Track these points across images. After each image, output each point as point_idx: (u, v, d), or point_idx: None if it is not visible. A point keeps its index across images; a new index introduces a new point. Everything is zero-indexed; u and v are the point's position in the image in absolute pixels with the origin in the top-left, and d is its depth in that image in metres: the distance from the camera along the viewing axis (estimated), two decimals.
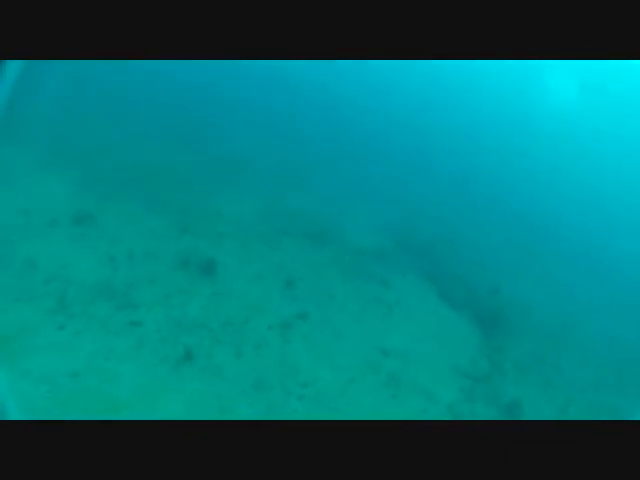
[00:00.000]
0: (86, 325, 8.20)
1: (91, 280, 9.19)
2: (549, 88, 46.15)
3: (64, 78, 16.42)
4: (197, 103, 23.29)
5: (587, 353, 13.64)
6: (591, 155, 42.37)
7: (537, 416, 9.98)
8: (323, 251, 13.44)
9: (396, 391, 9.30)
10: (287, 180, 17.46)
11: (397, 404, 9.09)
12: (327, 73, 38.02)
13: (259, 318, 9.89)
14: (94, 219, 10.85)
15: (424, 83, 45.55)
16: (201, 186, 14.64)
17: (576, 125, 44.25)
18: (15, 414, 4.39)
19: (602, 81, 49.14)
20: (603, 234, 26.46)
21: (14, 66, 3.38)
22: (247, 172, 16.93)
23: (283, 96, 28.48)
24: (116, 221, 11.17)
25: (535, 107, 46.00)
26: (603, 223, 29.06)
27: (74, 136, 15.02)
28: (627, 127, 48.93)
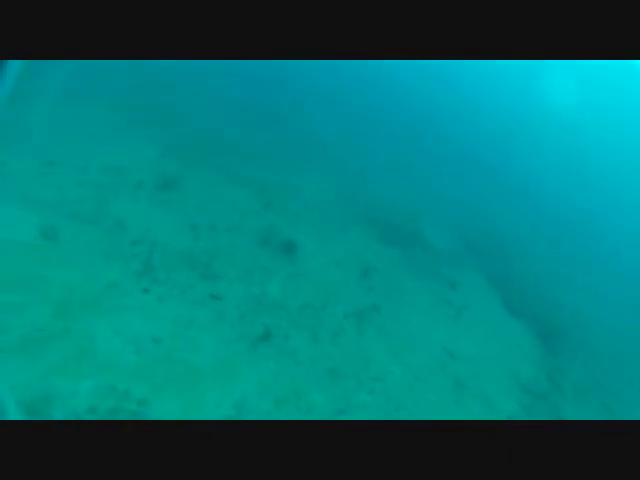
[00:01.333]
0: (169, 291, 8.17)
1: (175, 247, 9.18)
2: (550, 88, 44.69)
3: None
4: (278, 81, 23.09)
5: None
6: None
7: None
8: (396, 244, 13.13)
9: (460, 396, 9.10)
10: (364, 168, 17.19)
11: (460, 409, 8.90)
12: (406, 68, 37.53)
13: (336, 305, 9.78)
14: (177, 185, 10.90)
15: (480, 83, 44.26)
16: (280, 163, 14.57)
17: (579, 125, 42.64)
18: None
19: (602, 81, 47.71)
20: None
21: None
22: (325, 155, 16.74)
23: (371, 90, 28.03)
24: (198, 190, 11.19)
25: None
26: None
27: (158, 99, 15.01)
28: (627, 127, 47.19)
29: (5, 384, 5.84)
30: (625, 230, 28.10)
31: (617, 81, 50.40)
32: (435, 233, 15.16)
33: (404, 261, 12.76)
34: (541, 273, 17.13)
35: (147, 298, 7.95)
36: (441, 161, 23.27)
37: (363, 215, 13.87)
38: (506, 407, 9.56)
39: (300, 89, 23.97)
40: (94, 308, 7.34)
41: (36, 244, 7.96)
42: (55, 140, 10.61)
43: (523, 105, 47.04)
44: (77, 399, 6.00)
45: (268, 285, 9.40)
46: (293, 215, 11.93)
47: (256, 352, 8.01)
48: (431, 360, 9.80)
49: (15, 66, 4.20)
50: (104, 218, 9.09)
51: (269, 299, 9.11)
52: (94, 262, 8.14)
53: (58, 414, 5.73)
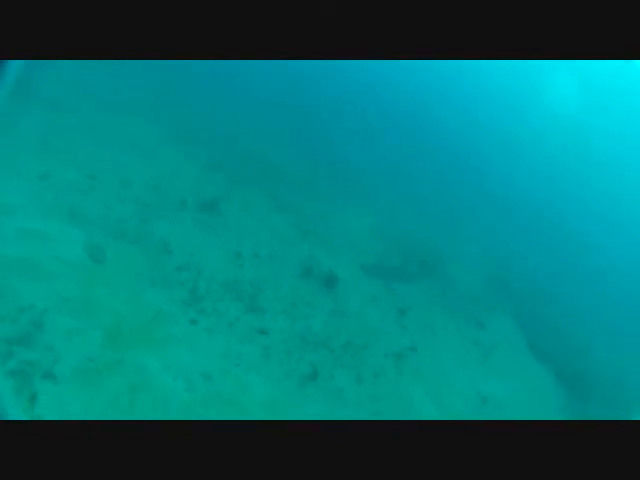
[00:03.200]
0: (217, 324, 7.97)
1: (220, 276, 9.02)
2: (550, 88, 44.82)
3: None
4: (321, 104, 22.81)
5: None
6: None
7: None
8: (429, 281, 13.07)
9: None
10: (399, 200, 17.03)
11: None
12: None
13: (376, 344, 9.61)
14: (219, 207, 10.73)
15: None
16: (319, 190, 14.48)
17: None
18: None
19: (602, 81, 48.13)
20: None
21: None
22: (362, 183, 16.63)
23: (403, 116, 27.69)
24: (240, 213, 11.09)
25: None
26: None
27: (202, 115, 14.79)
28: (627, 127, 47.52)
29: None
30: None
31: (617, 81, 50.77)
32: (462, 269, 14.98)
33: (435, 298, 12.62)
34: (567, 314, 16.93)
35: (195, 330, 7.72)
36: (465, 193, 23.11)
37: (396, 249, 13.63)
38: None
39: (338, 114, 23.65)
40: (143, 338, 7.09)
41: (83, 264, 7.76)
42: (96, 151, 10.33)
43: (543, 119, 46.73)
44: None
45: (312, 320, 9.26)
46: (333, 246, 11.72)
47: (303, 392, 7.75)
48: (466, 404, 9.69)
49: (15, 66, 3.71)
50: (149, 239, 8.93)
51: (313, 335, 8.95)
52: (141, 287, 7.93)
53: None
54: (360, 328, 9.94)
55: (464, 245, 16.54)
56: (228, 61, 20.54)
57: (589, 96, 48.05)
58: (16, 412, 5.23)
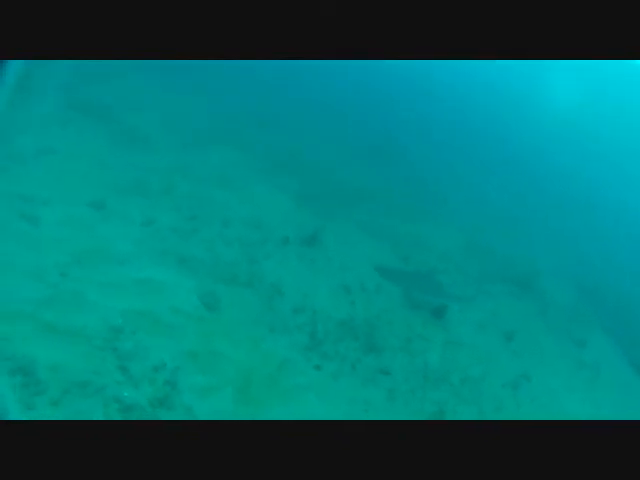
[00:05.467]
0: (339, 368, 7.78)
1: (334, 315, 8.88)
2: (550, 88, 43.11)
3: None
4: (394, 117, 22.49)
5: None
6: None
7: None
8: (527, 300, 12.58)
9: None
10: (484, 216, 16.53)
11: None
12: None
13: (492, 374, 9.35)
14: (319, 240, 10.60)
15: None
16: (408, 211, 14.11)
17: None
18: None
19: (602, 81, 46.34)
20: None
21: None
22: (449, 202, 16.14)
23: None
24: (339, 245, 10.90)
25: None
26: None
27: (280, 137, 14.65)
28: (628, 127, 45.47)
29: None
30: None
31: (617, 81, 49.20)
32: (555, 283, 14.43)
33: (536, 318, 12.19)
34: None
35: (320, 376, 7.56)
36: (545, 201, 22.34)
37: (494, 267, 13.23)
38: None
39: (412, 126, 23.23)
40: (272, 391, 6.93)
41: (201, 315, 7.62)
42: (192, 190, 10.25)
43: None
44: None
45: (429, 355, 8.96)
46: (433, 271, 11.35)
47: None
48: None
49: (15, 66, 3.90)
50: (259, 281, 8.81)
51: (432, 371, 8.68)
52: (261, 335, 7.82)
53: None
54: (474, 358, 9.67)
55: (553, 257, 15.93)
56: (299, 81, 20.51)
57: (589, 96, 46.43)
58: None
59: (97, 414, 5.53)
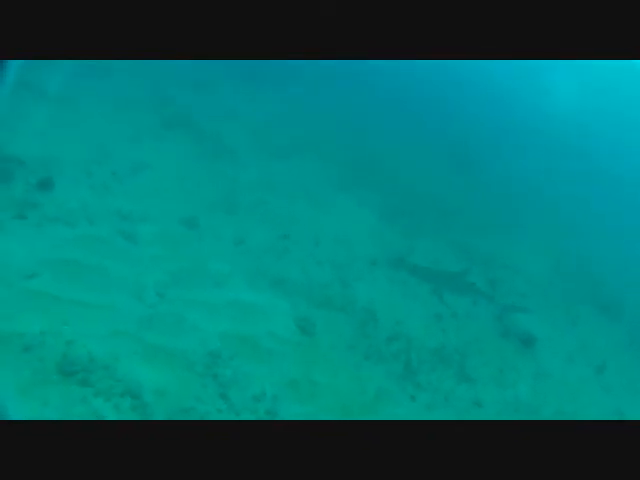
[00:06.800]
0: (433, 398, 7.65)
1: (427, 344, 8.80)
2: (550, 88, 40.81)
3: None
4: (474, 125, 21.99)
5: None
6: None
7: None
8: (614, 328, 12.02)
9: None
10: (573, 231, 15.98)
11: None
12: None
13: (584, 411, 9.00)
14: (408, 262, 10.39)
15: None
16: (493, 230, 13.82)
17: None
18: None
19: (602, 81, 43.87)
20: None
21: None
22: (534, 218, 15.67)
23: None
24: (428, 265, 10.39)
25: None
26: None
27: (369, 152, 14.51)
28: (628, 127, 42.64)
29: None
30: None
31: (617, 81, 46.86)
32: None
33: (625, 349, 11.60)
34: None
35: (416, 407, 7.50)
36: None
37: (579, 292, 12.76)
38: None
39: (490, 132, 22.59)
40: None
41: (298, 340, 7.64)
42: (280, 207, 10.25)
43: None
44: None
45: (520, 387, 8.74)
46: (521, 296, 11.07)
47: None
48: None
49: (15, 66, 3.74)
50: (353, 306, 8.82)
51: (524, 405, 8.32)
52: (357, 363, 7.84)
53: None
54: (565, 392, 9.40)
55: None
56: (373, 83, 20.24)
57: (589, 96, 44.17)
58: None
59: None
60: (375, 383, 7.62)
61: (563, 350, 10.44)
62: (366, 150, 15.07)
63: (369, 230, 11.29)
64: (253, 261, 8.80)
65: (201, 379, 6.46)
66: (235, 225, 9.47)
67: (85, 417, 5.37)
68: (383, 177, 13.98)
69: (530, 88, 32.74)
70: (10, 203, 7.82)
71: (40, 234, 7.58)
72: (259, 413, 6.36)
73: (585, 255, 15.37)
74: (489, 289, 10.95)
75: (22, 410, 5.24)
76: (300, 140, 13.98)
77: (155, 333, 6.81)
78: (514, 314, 10.34)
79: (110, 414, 5.51)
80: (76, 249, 7.59)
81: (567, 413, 8.87)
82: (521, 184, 18.02)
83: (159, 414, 5.79)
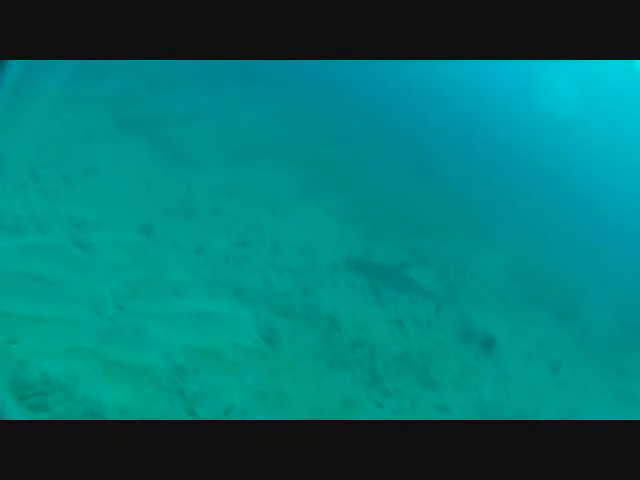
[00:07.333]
0: (400, 405, 7.54)
1: (391, 349, 8.81)
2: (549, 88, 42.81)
3: None
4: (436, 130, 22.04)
5: None
6: None
7: None
8: (568, 328, 12.36)
9: None
10: (529, 237, 16.28)
11: None
12: None
13: (543, 410, 9.21)
14: (367, 267, 10.38)
15: None
16: (449, 233, 13.77)
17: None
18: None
19: (602, 81, 46.29)
20: None
21: None
22: (488, 222, 15.85)
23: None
24: (385, 271, 10.43)
25: None
26: None
27: (333, 159, 14.46)
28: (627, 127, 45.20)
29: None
30: None
31: (617, 81, 49.12)
32: (596, 310, 14.17)
33: (578, 348, 11.92)
34: None
35: (383, 414, 7.37)
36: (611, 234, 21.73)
37: (536, 293, 13.00)
38: None
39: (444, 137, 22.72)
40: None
41: (263, 350, 7.49)
42: (237, 213, 10.04)
43: None
44: None
45: (482, 390, 8.78)
46: (478, 299, 11.16)
47: None
48: None
49: (15, 66, 4.00)
50: (315, 313, 8.73)
51: (487, 406, 8.40)
52: (322, 372, 7.73)
53: None
54: (525, 393, 9.51)
55: (594, 281, 15.67)
56: (337, 89, 20.11)
57: (589, 96, 45.93)
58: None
59: None
60: (342, 391, 7.58)
61: (521, 351, 10.62)
62: (328, 155, 14.90)
63: (329, 235, 11.19)
64: (213, 270, 8.57)
65: (167, 395, 6.26)
66: (193, 232, 9.22)
67: None
68: (345, 182, 13.85)
69: (501, 96, 33.08)
70: None
71: None
72: None
73: (538, 257, 15.72)
74: (448, 293, 11.04)
75: None
76: (260, 144, 13.71)
77: (115, 348, 6.56)
78: (473, 318, 10.45)
79: None
80: (25, 259, 7.17)
81: (527, 413, 9.02)
82: (479, 190, 18.28)
83: None
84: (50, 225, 7.92)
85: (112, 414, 5.73)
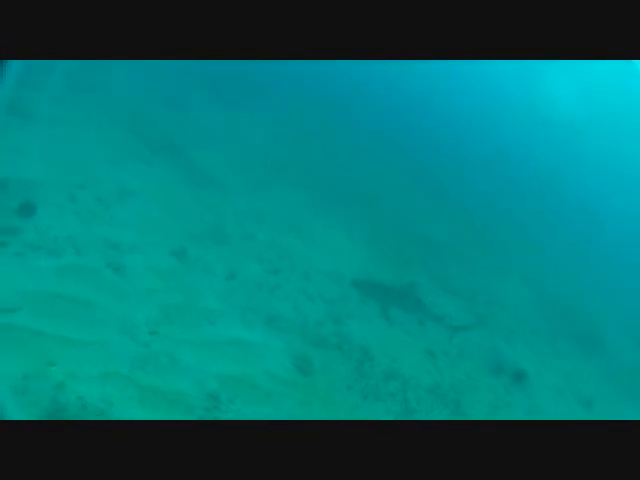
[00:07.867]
0: None
1: (423, 382, 8.70)
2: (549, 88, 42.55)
3: None
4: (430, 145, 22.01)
5: None
6: None
7: None
8: (595, 360, 12.10)
9: None
10: (550, 264, 16.13)
11: None
12: None
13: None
14: (398, 299, 9.96)
15: None
16: (474, 263, 13.70)
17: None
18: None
19: (602, 81, 46.00)
20: None
21: None
22: (510, 249, 15.73)
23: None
24: (418, 301, 10.34)
25: None
26: None
27: (352, 177, 14.32)
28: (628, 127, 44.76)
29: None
30: None
31: (617, 81, 48.93)
32: (621, 340, 13.97)
33: (608, 380, 11.68)
34: None
35: None
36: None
37: (562, 323, 12.92)
38: None
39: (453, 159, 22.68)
40: None
41: (296, 380, 7.39)
42: (268, 239, 10.00)
43: None
44: None
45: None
46: (508, 332, 11.06)
47: None
48: None
49: (15, 66, 4.14)
50: (348, 344, 8.67)
51: None
52: (355, 403, 7.56)
53: None
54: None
55: (616, 309, 15.47)
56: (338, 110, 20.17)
57: (589, 96, 45.77)
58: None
59: None
60: None
61: (553, 385, 10.48)
62: (345, 176, 14.92)
63: (356, 262, 11.15)
64: (246, 297, 8.52)
65: None
66: (225, 258, 9.19)
67: None
68: (363, 204, 13.84)
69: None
70: None
71: (21, 263, 7.06)
72: None
73: (560, 285, 15.56)
74: (478, 325, 10.91)
75: None
76: (279, 167, 13.76)
77: (150, 374, 6.51)
78: (504, 350, 10.31)
79: None
80: (61, 280, 7.15)
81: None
82: (500, 216, 18.18)
83: None
84: (86, 247, 7.91)
85: None
